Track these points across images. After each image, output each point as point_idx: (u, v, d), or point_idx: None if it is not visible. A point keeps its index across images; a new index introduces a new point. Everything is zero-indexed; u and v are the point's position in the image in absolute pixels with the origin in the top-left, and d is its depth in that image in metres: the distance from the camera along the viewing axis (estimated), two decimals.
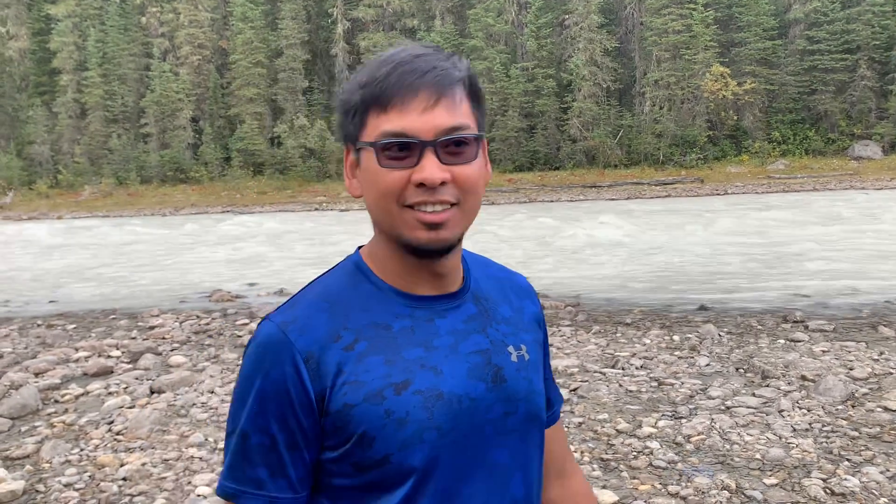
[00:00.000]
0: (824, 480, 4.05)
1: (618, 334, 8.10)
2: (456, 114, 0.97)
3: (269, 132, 58.07)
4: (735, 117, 48.79)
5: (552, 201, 38.25)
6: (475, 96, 1.02)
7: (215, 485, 4.22)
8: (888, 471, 4.14)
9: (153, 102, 59.17)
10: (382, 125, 0.96)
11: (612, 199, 37.46)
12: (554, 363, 6.65)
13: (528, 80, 51.57)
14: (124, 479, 4.37)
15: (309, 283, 1.07)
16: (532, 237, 20.87)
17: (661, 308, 9.86)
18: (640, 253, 16.33)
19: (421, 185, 0.95)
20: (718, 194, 37.02)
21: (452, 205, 0.97)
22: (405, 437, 0.96)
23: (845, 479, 4.04)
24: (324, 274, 1.08)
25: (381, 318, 1.01)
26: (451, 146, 0.96)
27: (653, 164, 47.99)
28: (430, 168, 0.95)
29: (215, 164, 56.98)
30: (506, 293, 1.16)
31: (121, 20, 63.12)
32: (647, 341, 7.63)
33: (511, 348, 1.08)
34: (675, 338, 7.71)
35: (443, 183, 0.95)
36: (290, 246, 21.30)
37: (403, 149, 0.95)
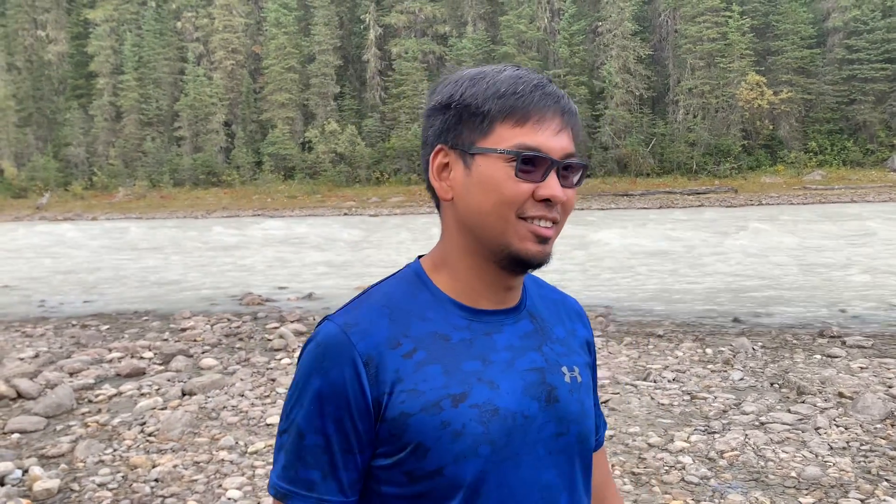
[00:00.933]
0: (862, 501, 3.96)
1: (650, 346, 8.01)
2: (574, 142, 1.03)
3: (301, 137, 58.63)
4: (770, 127, 48.18)
5: (583, 209, 38.04)
6: (579, 130, 1.09)
7: (246, 488, 4.26)
8: None
9: (187, 106, 60.08)
10: (518, 137, 0.99)
11: (644, 208, 37.17)
12: None
13: (560, 88, 51.28)
14: (156, 480, 4.41)
15: (368, 289, 1.09)
16: (562, 246, 20.76)
17: (694, 320, 9.74)
18: (672, 263, 16.17)
19: (545, 200, 0.99)
20: (752, 205, 36.55)
21: (555, 223, 1.02)
22: (460, 450, 0.97)
23: (884, 501, 3.94)
24: (382, 281, 1.10)
25: (440, 328, 1.03)
26: (567, 171, 1.02)
27: (685, 173, 47.56)
28: (556, 186, 0.99)
29: (247, 167, 57.64)
30: (559, 314, 1.17)
31: (157, 25, 64.25)
32: (680, 354, 7.54)
33: (565, 369, 1.09)
34: (708, 351, 7.61)
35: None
36: (319, 251, 21.44)
37: (534, 164, 0.99)
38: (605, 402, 5.81)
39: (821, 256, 16.30)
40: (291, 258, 19.50)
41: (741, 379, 6.47)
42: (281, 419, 1.04)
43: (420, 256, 1.12)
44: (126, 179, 59.12)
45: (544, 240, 1.00)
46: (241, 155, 58.15)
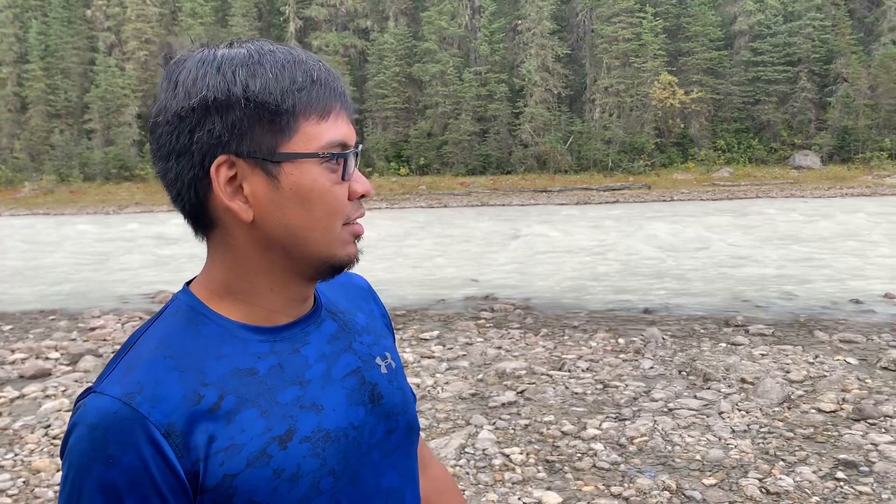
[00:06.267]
0: (760, 480, 4.17)
1: (565, 337, 8.20)
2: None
3: None
4: (682, 125, 49.89)
5: (503, 205, 38.52)
6: None
7: None
8: (820, 470, 4.29)
9: (98, 98, 57.74)
10: (327, 133, 0.86)
11: (562, 204, 37.89)
12: (502, 365, 6.71)
13: (481, 85, 51.87)
14: None
15: (136, 338, 0.88)
16: (483, 240, 20.99)
17: (608, 311, 10.03)
18: (588, 257, 16.56)
19: (362, 196, 0.90)
20: (665, 200, 37.77)
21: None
22: (302, 495, 0.85)
23: (780, 479, 4.16)
24: (152, 323, 0.90)
25: (242, 362, 0.87)
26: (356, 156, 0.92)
27: (602, 170, 48.73)
28: (364, 179, 0.90)
29: None
30: (354, 299, 1.08)
31: (64, 12, 61.45)
32: (594, 344, 7.75)
33: (379, 360, 1.00)
34: (621, 341, 7.85)
35: None
36: None
37: (344, 160, 0.88)
38: (521, 392, 5.93)
39: (728, 249, 17.01)
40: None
41: (651, 367, 6.70)
42: None
43: (188, 283, 0.94)
44: (32, 173, 56.34)
45: (359, 237, 0.92)
46: None
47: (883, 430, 4.90)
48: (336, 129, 0.87)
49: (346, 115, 0.89)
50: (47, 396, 6.13)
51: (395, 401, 0.99)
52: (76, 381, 6.61)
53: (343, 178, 0.87)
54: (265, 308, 0.91)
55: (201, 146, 0.83)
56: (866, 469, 4.30)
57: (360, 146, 0.92)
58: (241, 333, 0.89)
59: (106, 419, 0.79)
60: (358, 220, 0.91)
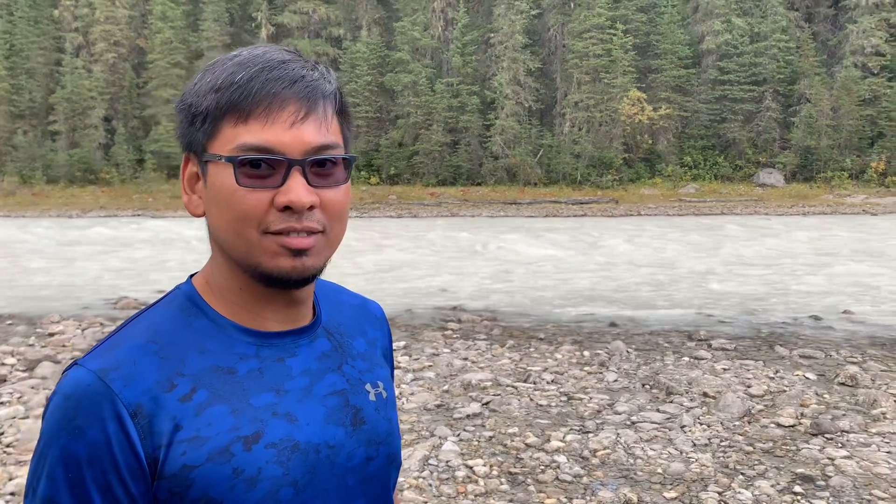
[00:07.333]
0: (720, 494, 4.22)
1: (531, 349, 8.23)
2: (326, 131, 0.87)
3: None
4: (650, 141, 50.56)
5: (473, 216, 38.64)
6: (344, 113, 0.92)
7: None
8: (778, 484, 4.35)
9: (63, 99, 56.81)
10: (242, 137, 0.84)
11: (531, 217, 38.12)
12: (468, 376, 6.70)
13: (453, 96, 52.07)
14: (12, 493, 4.14)
15: (130, 320, 0.91)
16: (452, 251, 21.02)
17: (574, 324, 10.08)
18: (555, 270, 16.66)
19: (287, 208, 0.84)
20: (632, 215, 38.19)
21: (314, 232, 0.87)
22: (258, 499, 0.84)
23: (739, 493, 4.21)
24: (148, 308, 0.93)
25: (223, 360, 0.88)
26: (320, 167, 0.87)
27: (570, 183, 49.18)
28: (298, 190, 0.84)
29: (127, 165, 55.06)
30: (360, 324, 1.07)
31: (31, 11, 60.46)
32: (559, 356, 7.79)
33: (369, 386, 1.00)
34: (586, 353, 7.90)
35: (311, 207, 0.85)
36: (202, 253, 20.76)
37: (263, 166, 0.84)
38: (486, 404, 5.93)
39: (692, 265, 17.23)
40: (172, 260, 18.78)
41: (615, 380, 6.75)
42: (26, 497, 0.84)
43: (193, 275, 0.97)
44: None
45: (299, 252, 0.86)
46: (122, 152, 55.47)
47: (839, 445, 4.99)
48: (257, 133, 0.84)
49: (291, 118, 0.85)
50: (1, 403, 5.99)
51: (380, 429, 0.98)
52: (32, 387, 6.47)
53: (238, 183, 0.84)
54: (245, 307, 0.92)
55: (181, 145, 0.92)
56: (822, 483, 4.37)
57: (325, 153, 0.87)
58: (231, 332, 0.91)
59: (78, 390, 0.82)
60: (295, 235, 0.86)
